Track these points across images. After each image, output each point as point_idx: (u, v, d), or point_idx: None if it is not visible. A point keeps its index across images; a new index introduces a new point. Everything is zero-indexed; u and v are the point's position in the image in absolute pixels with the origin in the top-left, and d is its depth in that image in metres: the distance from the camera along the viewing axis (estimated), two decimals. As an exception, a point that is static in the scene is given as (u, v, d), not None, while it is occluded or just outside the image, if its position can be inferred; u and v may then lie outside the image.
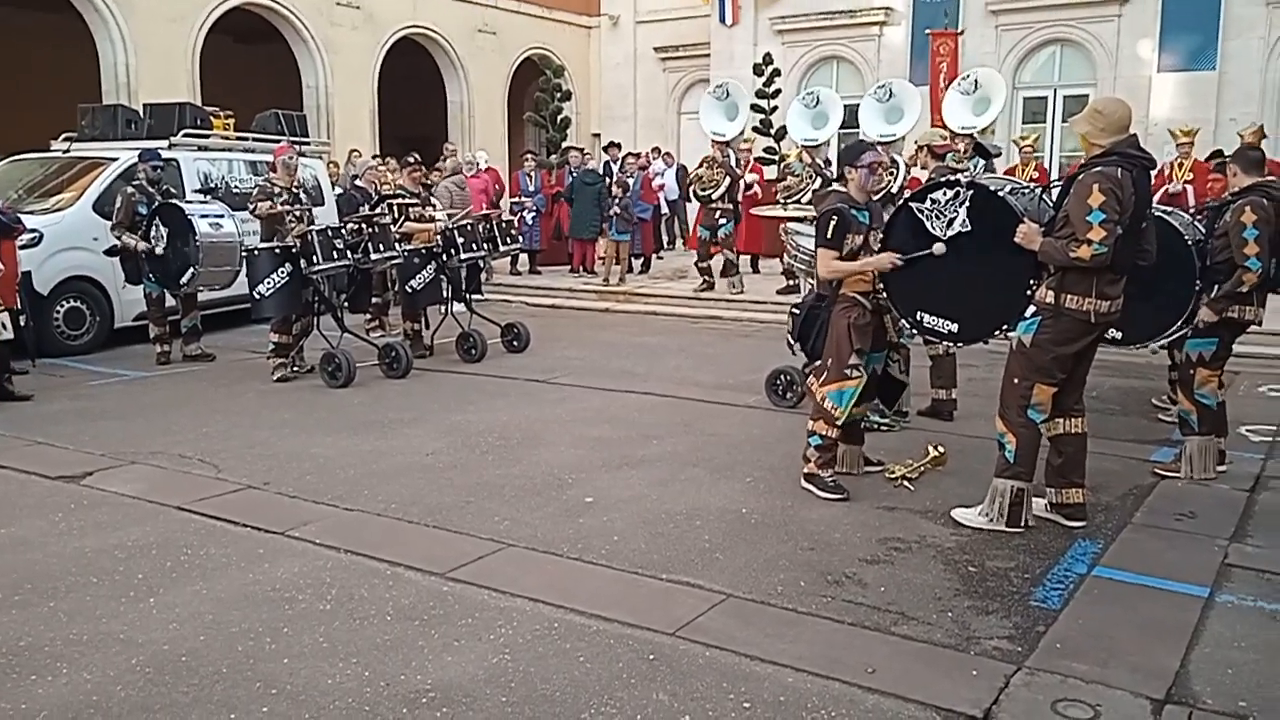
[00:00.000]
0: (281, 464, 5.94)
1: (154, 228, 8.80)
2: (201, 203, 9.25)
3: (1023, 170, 11.89)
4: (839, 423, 5.20)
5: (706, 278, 12.76)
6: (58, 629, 3.77)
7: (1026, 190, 5.13)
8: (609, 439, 6.48)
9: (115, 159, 10.28)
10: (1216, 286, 5.38)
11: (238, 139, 11.77)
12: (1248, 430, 6.52)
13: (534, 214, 14.82)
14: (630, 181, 14.45)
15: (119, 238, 8.91)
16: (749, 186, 13.44)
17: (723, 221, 12.31)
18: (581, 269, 14.80)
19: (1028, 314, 4.65)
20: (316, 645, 3.63)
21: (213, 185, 10.50)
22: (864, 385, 5.20)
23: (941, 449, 5.72)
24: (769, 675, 3.41)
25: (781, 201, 10.71)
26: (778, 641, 3.64)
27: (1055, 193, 4.72)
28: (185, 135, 10.98)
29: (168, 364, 9.13)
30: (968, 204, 4.81)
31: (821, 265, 5.16)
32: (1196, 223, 5.78)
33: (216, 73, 16.52)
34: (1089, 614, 3.90)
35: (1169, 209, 6.08)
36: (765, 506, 5.14)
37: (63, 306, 9.59)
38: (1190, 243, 5.48)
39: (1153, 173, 4.71)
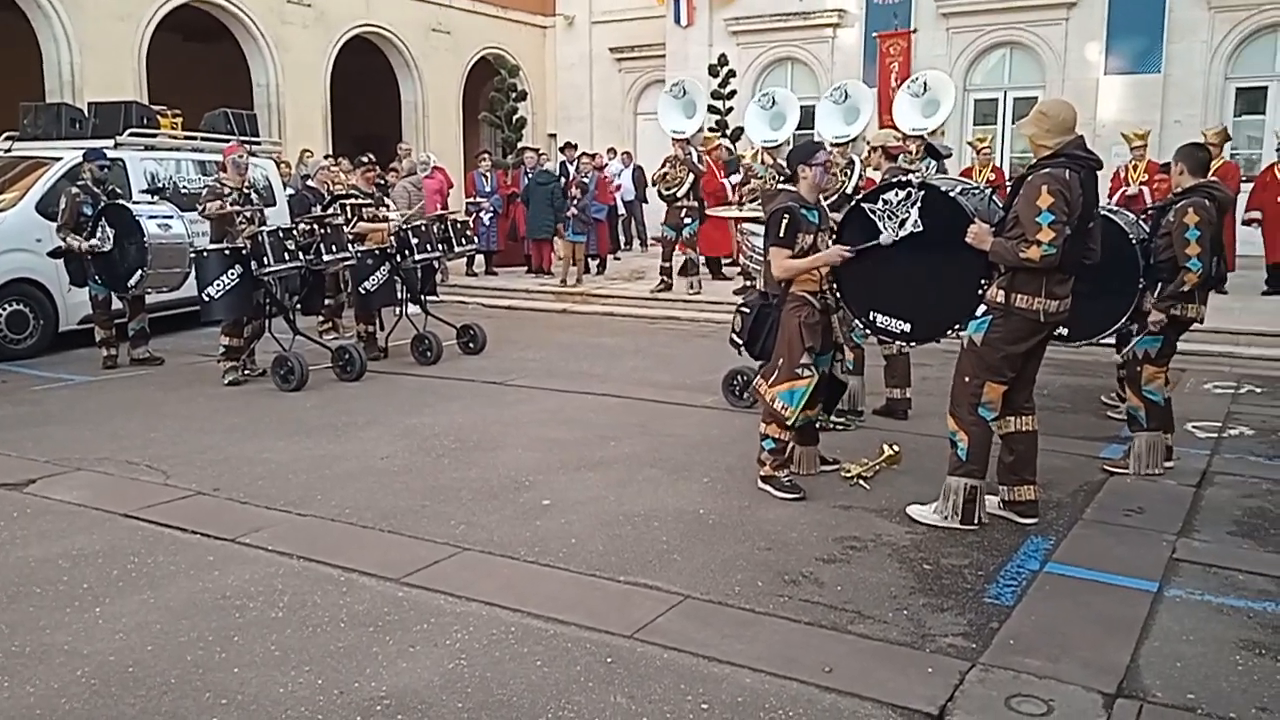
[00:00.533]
0: (232, 469, 5.84)
1: (100, 229, 8.62)
2: (149, 203, 9.07)
3: (979, 172, 12.04)
4: (790, 423, 5.22)
5: (665, 278, 12.77)
6: (-1, 641, 3.68)
7: (977, 191, 5.19)
8: (566, 441, 6.45)
9: (59, 158, 10.06)
10: (1160, 285, 5.48)
11: (186, 138, 11.57)
12: (1194, 427, 6.65)
13: (490, 214, 14.73)
14: (586, 182, 14.41)
15: (64, 239, 8.72)
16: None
17: (688, 221, 12.33)
18: (540, 270, 14.74)
19: (979, 313, 4.70)
20: (268, 654, 3.57)
21: (160, 185, 10.29)
22: (815, 384, 5.21)
23: (896, 448, 5.76)
24: (727, 676, 3.41)
25: (747, 204, 10.74)
26: (735, 642, 3.64)
27: (1006, 193, 4.77)
28: (131, 134, 10.77)
29: (114, 368, 8.95)
30: (920, 204, 4.85)
31: (775, 264, 5.17)
32: (1141, 222, 5.88)
33: (164, 71, 16.24)
34: (1041, 610, 3.95)
35: (1115, 209, 6.19)
36: (722, 507, 5.15)
37: (5, 309, 9.37)
38: (1135, 242, 5.57)
39: (1101, 174, 4.78)
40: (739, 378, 7.32)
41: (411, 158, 14.17)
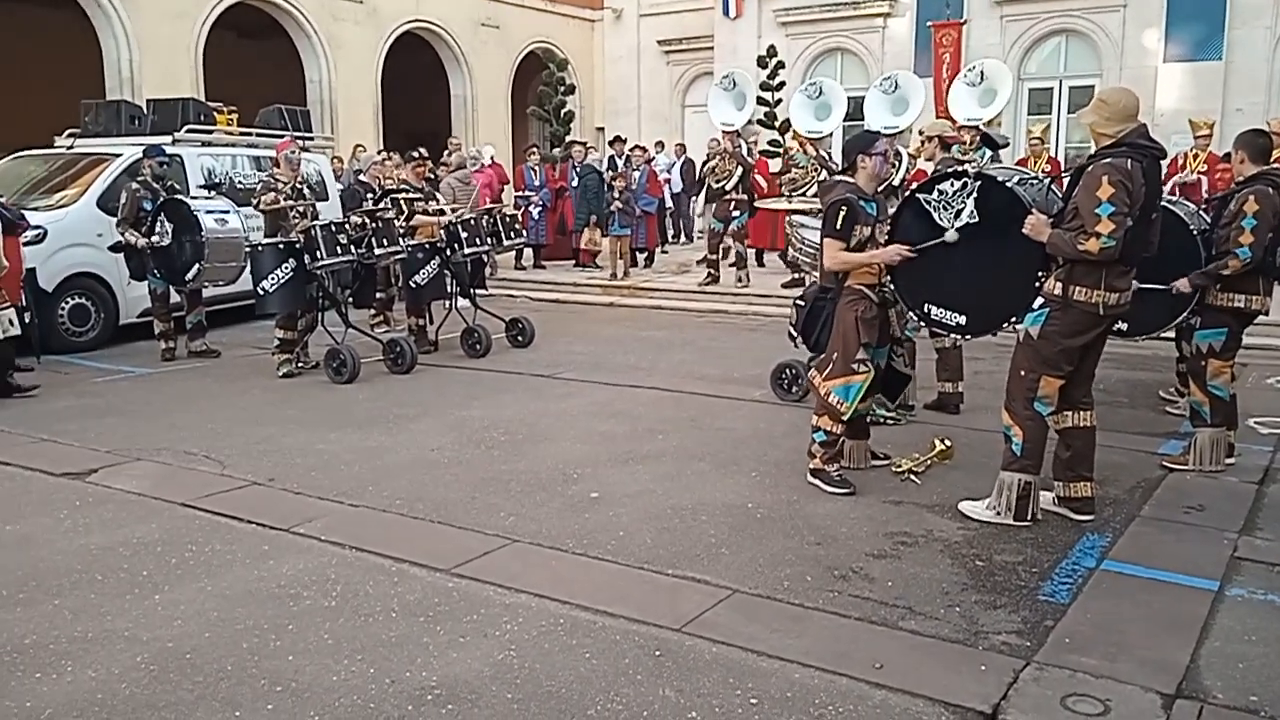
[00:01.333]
0: (286, 460, 5.93)
1: (159, 224, 8.79)
2: (206, 198, 9.24)
3: (1034, 163, 11.81)
4: (845, 418, 5.17)
5: (712, 271, 12.72)
6: (62, 626, 3.77)
7: (1035, 181, 5.09)
8: (614, 434, 6.46)
9: (119, 155, 10.28)
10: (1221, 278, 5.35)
11: (241, 134, 11.77)
12: (1256, 423, 6.48)
13: (539, 208, 14.79)
14: (636, 175, 14.41)
15: (123, 234, 8.91)
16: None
17: (736, 213, 12.27)
18: (592, 263, 14.75)
19: (1035, 306, 4.62)
20: (321, 642, 3.62)
21: (217, 181, 10.48)
22: (871, 380, 5.16)
23: (948, 442, 5.69)
24: (776, 671, 3.39)
25: (786, 194, 10.66)
26: (784, 637, 3.62)
27: (1065, 183, 4.68)
28: (189, 131, 10.98)
29: (173, 360, 9.13)
30: (975, 195, 4.78)
31: (828, 256, 5.12)
32: (1203, 212, 5.74)
33: (220, 68, 16.53)
34: (1098, 608, 3.87)
35: (1174, 199, 6.04)
36: (771, 501, 5.12)
37: (68, 303, 9.59)
38: (1195, 233, 5.45)
39: (1164, 163, 4.67)
40: (788, 371, 7.28)
41: (461, 153, 14.25)
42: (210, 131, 11.33)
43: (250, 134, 11.85)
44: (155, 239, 8.78)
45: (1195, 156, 10.87)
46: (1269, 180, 5.34)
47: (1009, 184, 4.79)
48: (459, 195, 11.85)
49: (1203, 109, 14.27)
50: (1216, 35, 15.50)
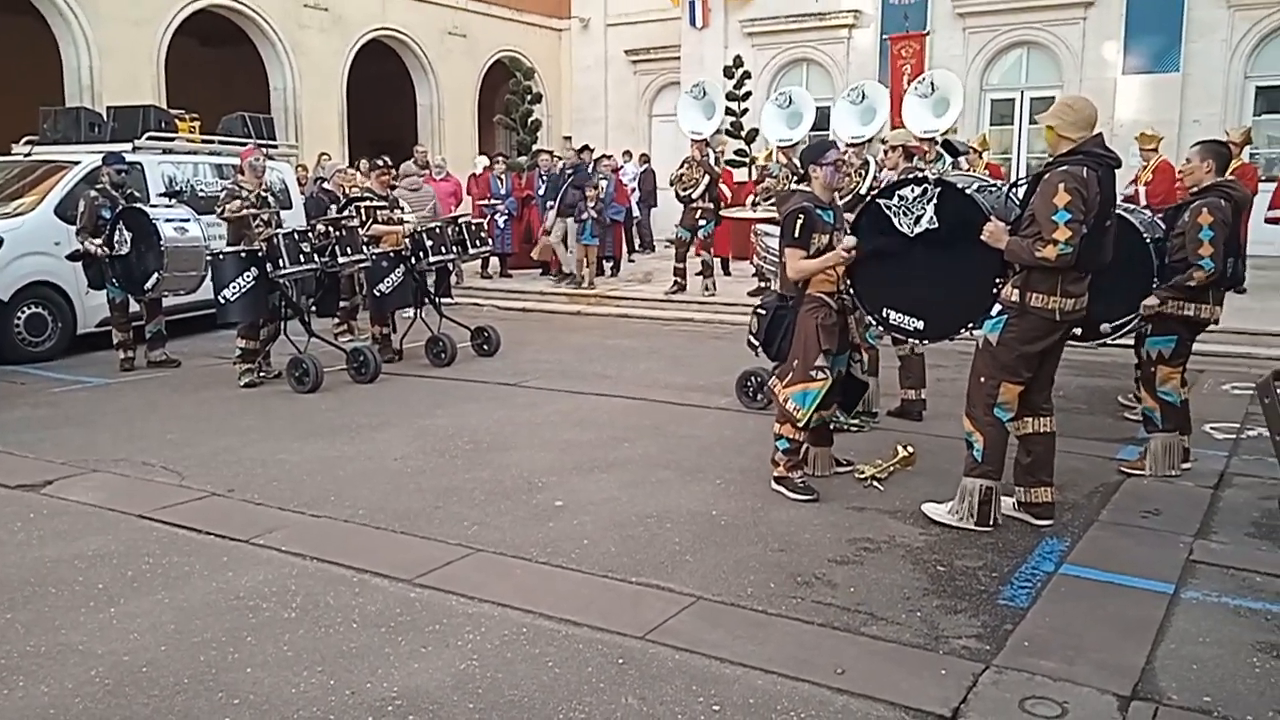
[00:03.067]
0: (247, 470, 5.86)
1: (118, 232, 8.68)
2: (166, 206, 9.13)
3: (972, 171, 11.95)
4: (801, 424, 5.20)
5: (679, 280, 12.75)
6: (14, 641, 3.70)
7: (994, 188, 5.15)
8: (579, 442, 6.45)
9: (78, 162, 10.14)
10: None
11: (203, 142, 11.65)
12: (1212, 428, 6.59)
13: (505, 217, 14.76)
14: (605, 184, 14.43)
15: (82, 242, 8.78)
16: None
17: (703, 222, 12.30)
18: (558, 272, 14.72)
19: (994, 312, 4.67)
20: (281, 654, 3.58)
21: (178, 189, 10.36)
22: (828, 387, 5.20)
23: (911, 449, 5.73)
24: (739, 677, 3.39)
25: (752, 203, 10.72)
26: (747, 643, 3.63)
27: (1022, 191, 4.74)
28: (149, 138, 10.85)
29: (131, 370, 9.01)
30: (935, 201, 4.83)
31: (790, 265, 5.16)
32: (1157, 220, 5.83)
33: (182, 76, 16.36)
34: (1056, 612, 3.91)
35: (1130, 207, 6.14)
36: (735, 508, 5.13)
37: (24, 312, 9.44)
38: (1149, 240, 5.53)
39: (1120, 174, 4.74)
40: (753, 379, 7.30)
41: (409, 163, 14.16)
42: (171, 139, 11.20)
43: (212, 141, 11.74)
44: (114, 248, 8.67)
45: (1144, 168, 11.06)
46: (1222, 192, 5.43)
47: (968, 191, 4.84)
48: (411, 203, 11.75)
49: (1160, 120, 14.54)
50: (1174, 48, 15.78)
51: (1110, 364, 8.46)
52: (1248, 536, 4.74)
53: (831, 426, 5.75)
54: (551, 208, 13.53)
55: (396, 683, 3.37)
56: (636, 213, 17.50)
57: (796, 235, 5.08)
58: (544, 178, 14.14)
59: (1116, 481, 5.54)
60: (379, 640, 3.69)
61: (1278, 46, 15.54)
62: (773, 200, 10.27)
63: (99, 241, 8.71)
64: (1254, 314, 9.93)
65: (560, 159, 14.54)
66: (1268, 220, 11.70)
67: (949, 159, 7.33)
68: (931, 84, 11.83)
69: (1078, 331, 5.26)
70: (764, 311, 5.50)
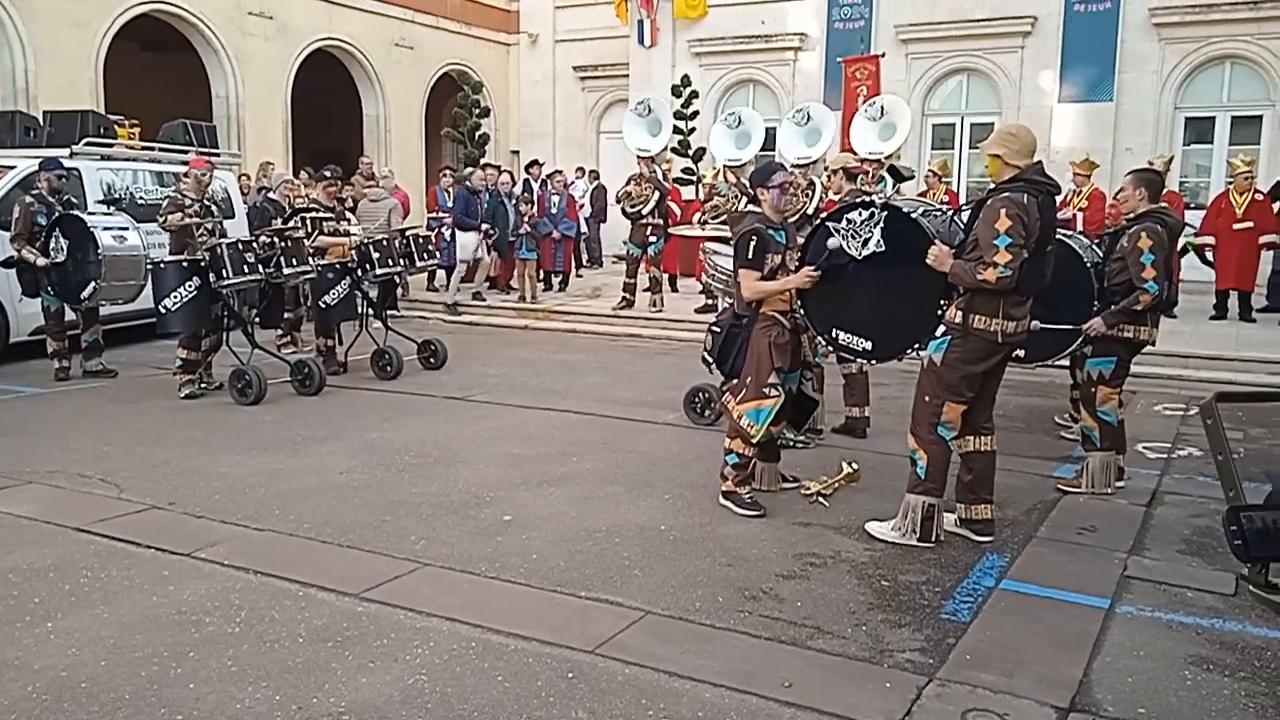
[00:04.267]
0: (188, 483, 5.76)
1: (54, 239, 8.48)
2: (105, 214, 8.94)
3: (933, 195, 12.21)
4: (755, 440, 5.26)
5: (627, 295, 12.80)
6: (-54, 657, 3.60)
7: (938, 212, 5.28)
8: (527, 456, 6.44)
9: (13, 167, 9.89)
10: (1114, 306, 5.59)
11: (143, 149, 11.44)
12: (1145, 448, 6.78)
13: (451, 230, 14.66)
14: (556, 199, 14.47)
15: (18, 250, 8.57)
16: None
17: (653, 239, 12.38)
18: (507, 287, 14.68)
19: (938, 333, 4.78)
20: (224, 669, 3.53)
21: (116, 196, 10.16)
22: (780, 404, 5.27)
23: (855, 466, 5.82)
24: (687, 691, 3.42)
25: (700, 221, 10.81)
26: (695, 657, 3.66)
27: (966, 216, 4.86)
28: (88, 144, 10.63)
29: (67, 380, 8.79)
30: (882, 224, 4.93)
31: (745, 286, 5.22)
32: (1095, 246, 6.01)
33: (122, 81, 16.04)
34: (997, 626, 4.00)
35: (1069, 232, 6.32)
36: (684, 523, 5.17)
37: (-46, 320, 9.18)
38: (1089, 265, 5.70)
39: (1057, 199, 4.89)
40: (700, 395, 7.36)
41: (363, 174, 14.06)
42: (110, 145, 10.99)
43: (153, 148, 11.53)
44: (49, 256, 8.47)
45: (1077, 194, 11.37)
46: (1158, 218, 5.62)
47: (914, 215, 4.96)
48: (369, 216, 11.67)
49: (1095, 147, 14.96)
50: (1108, 78, 16.27)
51: (1048, 384, 8.67)
52: (1179, 553, 4.89)
53: (779, 443, 5.82)
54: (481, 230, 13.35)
55: (344, 697, 3.34)
56: (585, 229, 17.53)
57: (750, 256, 5.15)
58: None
59: (1054, 499, 5.68)
60: (325, 655, 3.65)
61: (1206, 79, 16.10)
62: (722, 219, 10.38)
63: (35, 249, 8.50)
64: (1184, 337, 10.26)
65: (508, 170, 14.47)
66: (1195, 249, 12.10)
67: (892, 183, 7.48)
68: (881, 108, 12.06)
69: (1020, 353, 5.39)
70: (719, 329, 5.57)
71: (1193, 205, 14.37)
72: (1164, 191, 6.00)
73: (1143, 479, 6.07)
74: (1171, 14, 15.83)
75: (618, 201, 12.90)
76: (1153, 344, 5.80)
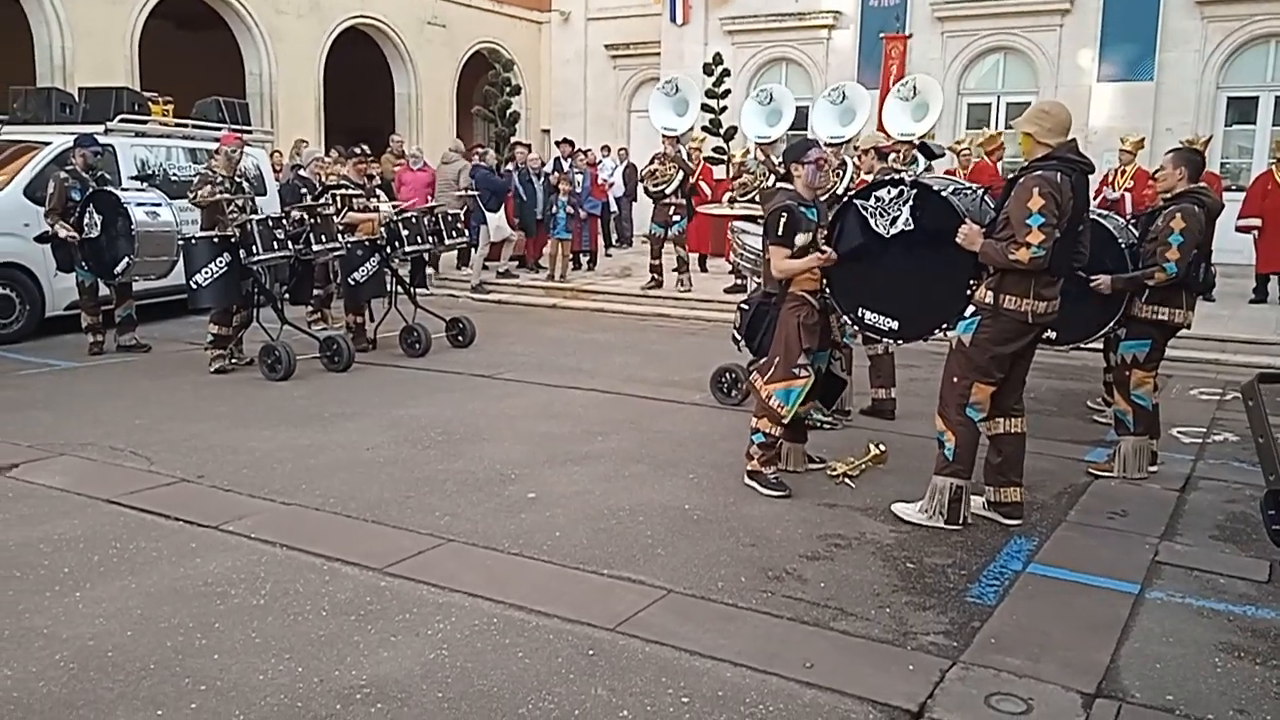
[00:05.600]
0: (217, 457, 5.81)
1: (88, 215, 8.57)
2: (138, 190, 9.03)
3: (961, 175, 12.06)
4: (784, 421, 5.23)
5: (655, 275, 12.76)
6: (-23, 624, 3.66)
7: (968, 191, 5.20)
8: (553, 435, 6.44)
9: (48, 143, 10.00)
10: (1146, 290, 5.49)
11: (176, 125, 11.52)
12: (1179, 432, 6.68)
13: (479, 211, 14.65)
14: (580, 179, 14.41)
15: (51, 225, 8.66)
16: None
17: (676, 218, 12.31)
18: (536, 265, 14.67)
19: (967, 313, 4.71)
20: (249, 641, 3.56)
21: (150, 172, 10.25)
22: (810, 384, 5.22)
23: (882, 447, 5.77)
24: (708, 670, 3.40)
25: (729, 200, 10.75)
26: (717, 636, 3.64)
27: (998, 194, 4.79)
28: (122, 121, 10.71)
29: (100, 354, 8.90)
30: (911, 203, 4.86)
31: (774, 264, 5.17)
32: (1131, 227, 5.90)
33: (157, 58, 16.15)
34: (1023, 610, 3.96)
35: (1104, 213, 6.20)
36: (708, 503, 5.15)
37: (-9, 294, 9.31)
38: (1124, 246, 5.60)
39: (1092, 178, 4.79)
40: (728, 375, 7.32)
41: (398, 149, 14.09)
42: (144, 122, 11.07)
43: (186, 125, 11.61)
44: (83, 231, 8.56)
45: (1121, 173, 11.17)
46: (1195, 199, 5.50)
47: (944, 193, 4.88)
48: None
49: (1134, 127, 14.67)
50: (1148, 57, 15.95)
51: (1081, 367, 8.55)
52: (1212, 539, 4.81)
53: (806, 423, 5.78)
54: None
55: (365, 671, 3.36)
56: (615, 208, 17.47)
57: (781, 233, 5.09)
58: (517, 170, 13.87)
59: (1085, 483, 5.60)
60: (348, 628, 3.67)
61: (1249, 58, 15.73)
62: (751, 197, 10.31)
63: (69, 224, 8.60)
64: (1221, 321, 10.08)
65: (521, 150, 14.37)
66: (1238, 229, 11.85)
67: (924, 161, 7.38)
68: (914, 87, 11.92)
69: (1052, 335, 5.31)
70: (747, 307, 5.52)
71: (1233, 187, 14.09)
72: (1204, 172, 5.87)
73: (1177, 464, 5.98)
74: (1215, -9, 15.48)
75: (641, 181, 12.83)
76: (1188, 327, 5.69)
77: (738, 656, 3.49)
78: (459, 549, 4.49)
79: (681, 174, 12.18)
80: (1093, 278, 5.43)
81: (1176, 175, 5.56)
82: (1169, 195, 5.58)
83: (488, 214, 13.23)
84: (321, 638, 3.59)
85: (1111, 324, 5.67)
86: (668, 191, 12.18)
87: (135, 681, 3.26)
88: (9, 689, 3.20)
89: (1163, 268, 5.36)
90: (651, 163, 12.48)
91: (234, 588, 4.01)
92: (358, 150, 9.86)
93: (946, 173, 11.69)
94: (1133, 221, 6.09)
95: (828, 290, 5.25)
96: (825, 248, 5.06)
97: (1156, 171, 5.83)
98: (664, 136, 12.54)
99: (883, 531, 4.79)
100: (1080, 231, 4.63)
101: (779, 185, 5.47)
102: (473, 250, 13.74)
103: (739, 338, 5.78)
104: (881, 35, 16.63)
